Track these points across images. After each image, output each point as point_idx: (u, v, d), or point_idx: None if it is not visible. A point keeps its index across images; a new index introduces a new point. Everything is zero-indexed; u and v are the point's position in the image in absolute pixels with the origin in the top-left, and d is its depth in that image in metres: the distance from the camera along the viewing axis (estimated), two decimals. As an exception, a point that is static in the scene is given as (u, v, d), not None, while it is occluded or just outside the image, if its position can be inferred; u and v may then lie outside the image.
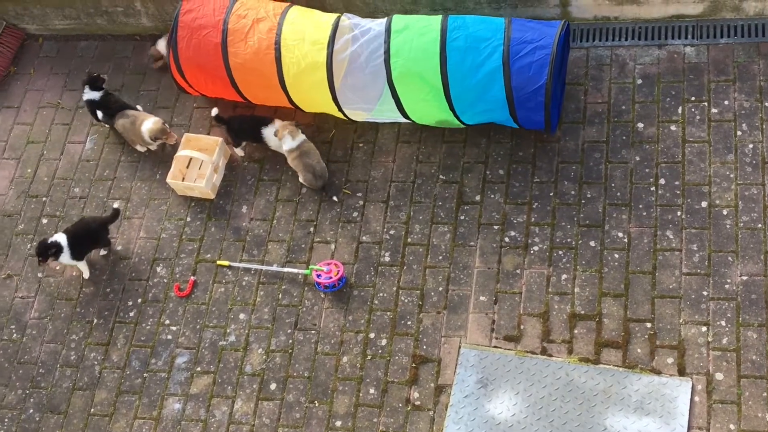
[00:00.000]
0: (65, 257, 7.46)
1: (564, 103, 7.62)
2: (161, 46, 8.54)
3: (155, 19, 8.76)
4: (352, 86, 7.55)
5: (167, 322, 7.39)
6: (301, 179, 7.67)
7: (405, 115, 7.48)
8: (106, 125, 8.37)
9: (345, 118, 7.75)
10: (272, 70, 7.48)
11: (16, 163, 8.48)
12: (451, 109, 7.22)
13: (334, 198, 7.57)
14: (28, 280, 7.81)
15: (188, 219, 7.83)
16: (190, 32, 7.64)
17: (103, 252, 7.80)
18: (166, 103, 8.46)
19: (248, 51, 7.50)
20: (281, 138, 7.56)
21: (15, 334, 7.60)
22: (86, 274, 7.70)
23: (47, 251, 7.39)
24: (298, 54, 7.39)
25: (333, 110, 7.65)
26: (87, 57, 8.93)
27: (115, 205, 7.81)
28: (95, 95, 8.21)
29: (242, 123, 7.96)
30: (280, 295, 7.32)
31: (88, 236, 7.61)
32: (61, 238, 7.44)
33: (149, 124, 7.89)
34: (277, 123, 7.70)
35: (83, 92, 8.26)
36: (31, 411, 7.24)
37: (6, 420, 7.22)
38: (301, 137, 7.59)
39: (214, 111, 8.05)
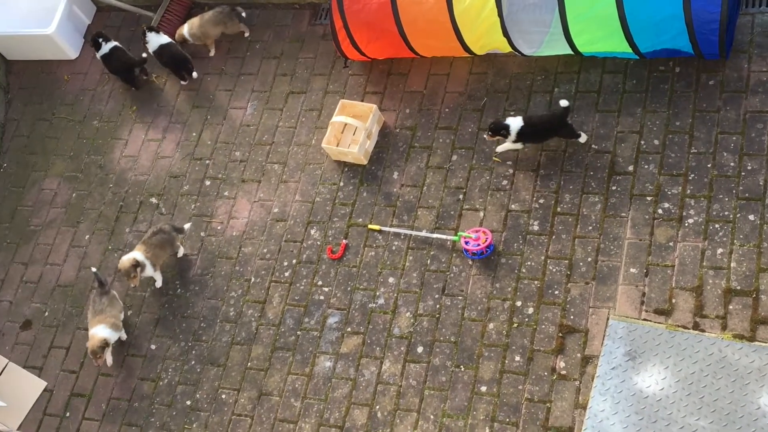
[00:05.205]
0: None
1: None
2: (185, 30, 9.06)
3: (313, -12, 8.99)
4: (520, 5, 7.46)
5: (320, 283, 7.65)
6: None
7: (569, 36, 7.33)
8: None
9: (513, 52, 7.72)
10: None
11: (182, 127, 8.92)
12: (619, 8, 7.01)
13: None
14: (191, 239, 8.24)
15: (341, 184, 8.04)
16: None
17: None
18: (323, 70, 8.69)
19: None
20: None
21: (179, 290, 8.04)
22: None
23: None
24: None
25: (500, 38, 7.56)
26: (249, 25, 9.25)
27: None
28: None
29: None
30: (428, 261, 7.44)
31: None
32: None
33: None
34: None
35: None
36: (193, 362, 7.67)
37: (170, 370, 7.69)
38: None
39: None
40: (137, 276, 7.73)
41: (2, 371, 7.96)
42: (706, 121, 7.23)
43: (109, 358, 7.69)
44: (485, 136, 7.60)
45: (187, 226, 8.14)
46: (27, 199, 9.09)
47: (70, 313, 8.26)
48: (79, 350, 8.00)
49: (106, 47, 9.14)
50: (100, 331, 7.56)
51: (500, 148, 7.60)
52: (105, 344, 7.52)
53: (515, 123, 7.34)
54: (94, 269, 7.88)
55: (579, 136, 7.41)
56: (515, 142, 7.43)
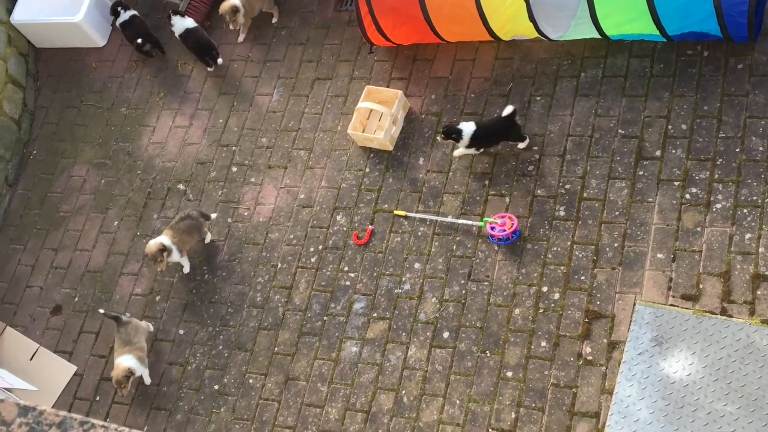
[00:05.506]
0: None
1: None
2: (236, 0, 8.92)
3: (339, -26, 8.98)
4: None
5: (346, 268, 7.68)
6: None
7: (595, 19, 7.27)
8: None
9: (539, 37, 7.67)
10: None
11: (209, 114, 8.97)
12: None
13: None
14: (219, 225, 8.29)
15: (367, 170, 8.06)
16: None
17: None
18: (348, 56, 8.69)
19: None
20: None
21: (207, 275, 8.11)
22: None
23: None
24: None
25: (526, 23, 7.50)
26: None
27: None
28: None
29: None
30: (454, 246, 7.45)
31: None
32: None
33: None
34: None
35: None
36: (221, 347, 7.74)
37: (198, 354, 7.77)
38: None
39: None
40: (164, 260, 7.80)
41: (33, 356, 8.09)
42: (735, 106, 7.16)
43: (146, 378, 7.73)
44: (438, 138, 7.65)
45: (213, 215, 8.20)
46: (56, 186, 9.19)
47: (100, 298, 8.35)
48: (108, 335, 8.09)
49: (125, 15, 9.30)
50: (126, 361, 7.52)
51: (457, 153, 7.67)
52: (130, 374, 7.48)
53: (468, 128, 7.38)
54: (101, 311, 7.86)
55: (524, 139, 7.50)
56: (468, 146, 7.50)
